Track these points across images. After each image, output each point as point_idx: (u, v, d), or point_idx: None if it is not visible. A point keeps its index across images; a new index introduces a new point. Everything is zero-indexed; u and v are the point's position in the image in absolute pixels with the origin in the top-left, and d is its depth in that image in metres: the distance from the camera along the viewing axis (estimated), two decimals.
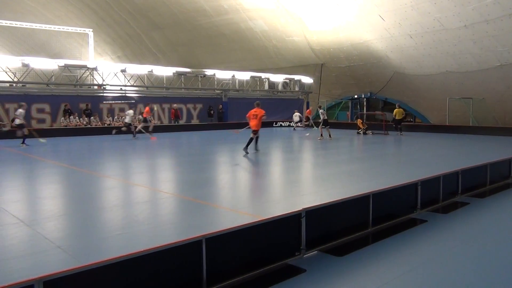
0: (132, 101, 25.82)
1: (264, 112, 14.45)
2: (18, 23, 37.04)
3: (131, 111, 21.36)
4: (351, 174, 10.59)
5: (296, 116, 28.19)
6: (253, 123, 14.32)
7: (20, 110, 17.11)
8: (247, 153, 13.82)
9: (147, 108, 22.20)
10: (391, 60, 26.77)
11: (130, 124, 20.84)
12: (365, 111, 31.19)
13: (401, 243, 5.31)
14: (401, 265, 4.62)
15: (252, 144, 14.25)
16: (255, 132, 14.26)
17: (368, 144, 18.56)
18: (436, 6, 21.26)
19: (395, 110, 23.43)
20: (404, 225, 6.00)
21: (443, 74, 24.94)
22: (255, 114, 14.35)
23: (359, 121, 23.91)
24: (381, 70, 28.26)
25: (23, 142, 16.81)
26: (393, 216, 6.13)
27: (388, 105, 31.00)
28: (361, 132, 23.20)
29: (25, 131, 16.99)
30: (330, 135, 20.34)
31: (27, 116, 21.58)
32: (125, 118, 21.37)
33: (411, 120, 30.64)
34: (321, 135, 20.30)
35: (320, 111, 21.53)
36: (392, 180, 8.73)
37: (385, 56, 26.65)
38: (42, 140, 17.94)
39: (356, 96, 32.44)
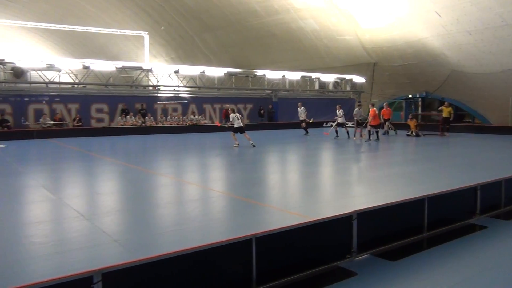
0: (184, 101, 26.49)
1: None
2: (80, 27, 39.04)
3: (341, 111, 21.39)
4: (404, 176, 10.27)
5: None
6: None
7: (302, 108, 22.65)
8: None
9: (374, 110, 21.46)
10: (448, 58, 25.66)
11: (356, 121, 21.46)
12: (420, 111, 30.09)
13: (459, 250, 5.08)
14: (458, 273, 4.42)
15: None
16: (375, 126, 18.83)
17: (422, 146, 17.90)
18: (497, 1, 20.10)
19: (442, 108, 23.21)
20: (462, 231, 5.74)
21: (505, 72, 23.55)
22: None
23: (413, 122, 22.85)
24: (437, 69, 27.15)
25: (306, 133, 22.45)
26: (450, 221, 5.87)
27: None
28: (413, 133, 22.21)
29: (304, 124, 22.67)
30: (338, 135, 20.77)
31: (87, 115, 22.79)
32: (338, 119, 21.26)
33: (470, 121, 29.20)
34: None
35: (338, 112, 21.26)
36: (449, 183, 8.37)
37: (442, 54, 25.58)
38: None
39: (410, 96, 31.38)
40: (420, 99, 31.28)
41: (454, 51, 24.83)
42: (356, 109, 21.70)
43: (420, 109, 31.14)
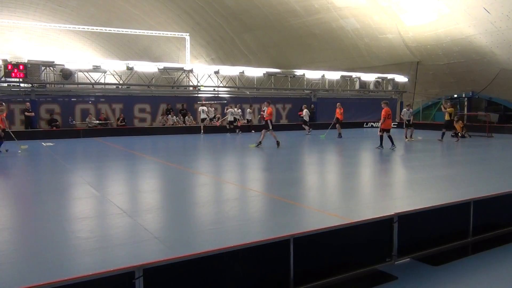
0: (224, 102, 26.76)
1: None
2: (124, 30, 40.32)
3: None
4: (447, 179, 9.92)
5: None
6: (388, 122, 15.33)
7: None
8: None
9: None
10: (497, 56, 24.55)
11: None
12: (465, 112, 28.94)
13: (507, 256, 4.85)
14: (504, 281, 4.22)
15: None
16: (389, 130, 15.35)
17: (467, 148, 17.22)
18: None
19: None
20: (511, 237, 5.47)
21: None
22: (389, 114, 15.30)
23: (460, 123, 21.77)
24: (485, 67, 26.04)
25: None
26: (497, 226, 5.62)
27: (493, 105, 28.45)
28: (459, 134, 21.24)
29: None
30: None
31: (130, 115, 23.46)
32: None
33: None
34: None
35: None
36: (496, 187, 8.00)
37: (490, 52, 24.51)
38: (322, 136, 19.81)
39: (455, 96, 30.24)
40: (466, 99, 30.10)
41: (504, 49, 23.73)
42: (404, 109, 21.26)
43: (466, 109, 29.96)
